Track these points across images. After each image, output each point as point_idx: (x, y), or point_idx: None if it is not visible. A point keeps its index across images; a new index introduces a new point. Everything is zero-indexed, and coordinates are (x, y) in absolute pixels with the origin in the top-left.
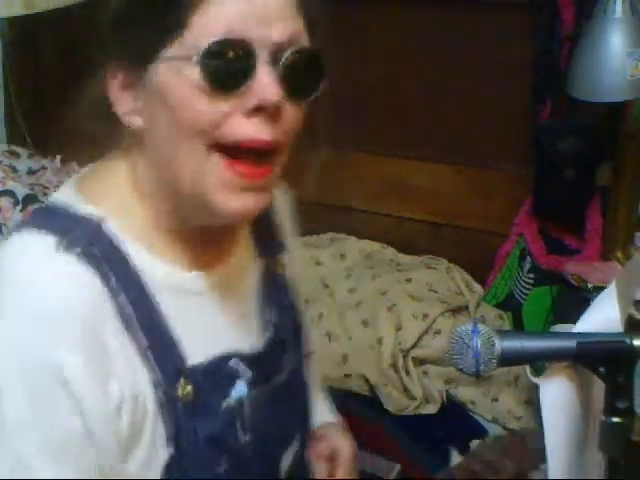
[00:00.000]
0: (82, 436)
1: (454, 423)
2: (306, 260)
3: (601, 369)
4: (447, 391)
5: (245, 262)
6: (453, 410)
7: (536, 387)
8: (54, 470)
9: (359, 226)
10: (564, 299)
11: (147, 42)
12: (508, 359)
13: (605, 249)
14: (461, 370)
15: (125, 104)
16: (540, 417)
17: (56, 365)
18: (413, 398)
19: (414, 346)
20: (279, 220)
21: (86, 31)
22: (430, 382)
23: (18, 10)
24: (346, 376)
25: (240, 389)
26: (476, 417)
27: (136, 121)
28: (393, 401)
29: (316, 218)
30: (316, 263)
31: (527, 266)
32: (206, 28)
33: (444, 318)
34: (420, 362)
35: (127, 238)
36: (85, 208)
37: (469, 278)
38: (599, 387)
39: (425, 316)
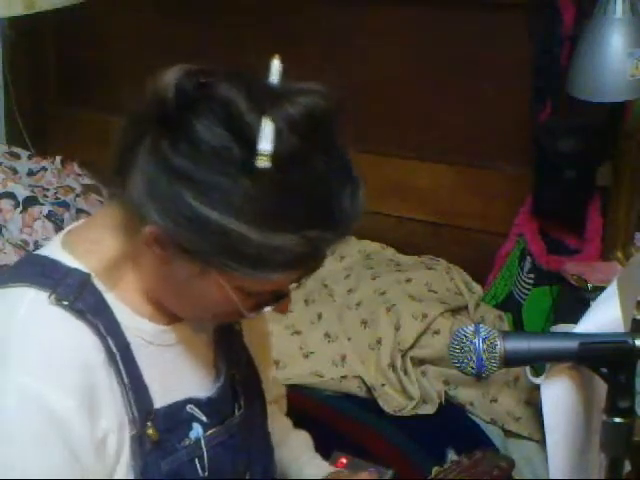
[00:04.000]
0: (72, 468)
1: (452, 424)
2: None
3: (603, 369)
4: (446, 392)
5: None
6: (451, 411)
7: (537, 388)
8: None
9: (359, 226)
10: (564, 299)
11: (208, 262)
12: (510, 360)
13: (605, 249)
14: (462, 371)
15: (157, 251)
16: (541, 417)
17: (51, 407)
18: (411, 398)
19: (413, 346)
20: None
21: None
22: (429, 382)
23: (18, 10)
24: (343, 378)
25: (196, 431)
26: (475, 418)
27: (160, 261)
28: (391, 401)
29: None
30: None
31: (527, 266)
32: (260, 287)
33: (443, 318)
34: (419, 362)
35: (109, 294)
36: (73, 264)
37: (469, 278)
38: (601, 387)
39: (424, 316)
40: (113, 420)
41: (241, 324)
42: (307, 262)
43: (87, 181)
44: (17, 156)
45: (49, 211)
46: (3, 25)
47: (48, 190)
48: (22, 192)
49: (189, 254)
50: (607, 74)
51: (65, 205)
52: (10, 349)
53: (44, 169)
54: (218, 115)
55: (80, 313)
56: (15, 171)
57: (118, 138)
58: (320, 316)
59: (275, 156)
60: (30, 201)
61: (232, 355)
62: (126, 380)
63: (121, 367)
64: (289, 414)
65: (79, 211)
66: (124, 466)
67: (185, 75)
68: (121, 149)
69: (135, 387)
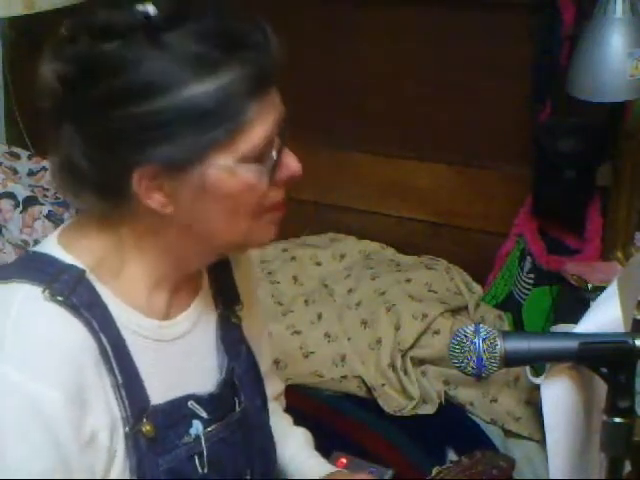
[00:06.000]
0: (55, 467)
1: (452, 424)
2: (306, 260)
3: (603, 369)
4: (446, 392)
5: (204, 312)
6: (451, 411)
7: (537, 388)
8: None
9: (359, 226)
10: (564, 299)
11: (194, 152)
12: (510, 360)
13: (605, 249)
14: (463, 371)
15: (157, 199)
16: (541, 417)
17: (38, 399)
18: (411, 398)
19: (413, 346)
20: (238, 274)
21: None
22: (429, 382)
23: (18, 10)
24: (343, 377)
25: (197, 427)
26: (475, 418)
27: (167, 209)
28: (391, 401)
29: (316, 218)
30: (316, 263)
31: (527, 266)
32: (250, 141)
33: (443, 318)
34: (419, 362)
35: (105, 289)
36: (68, 260)
37: (469, 278)
38: (601, 387)
39: (424, 316)
40: (104, 417)
41: (240, 316)
42: (260, 86)
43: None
44: (17, 156)
45: (49, 211)
46: (3, 25)
47: (48, 190)
48: (22, 192)
49: (180, 164)
50: (607, 74)
51: (65, 205)
52: (1, 342)
53: (44, 169)
54: (104, 36)
55: (74, 309)
56: (15, 171)
57: (54, 142)
58: (320, 316)
59: (165, 18)
60: (30, 201)
61: (232, 347)
62: (119, 376)
63: (114, 363)
64: (289, 413)
65: (79, 211)
66: (119, 464)
67: (55, 46)
68: (60, 147)
69: (129, 383)
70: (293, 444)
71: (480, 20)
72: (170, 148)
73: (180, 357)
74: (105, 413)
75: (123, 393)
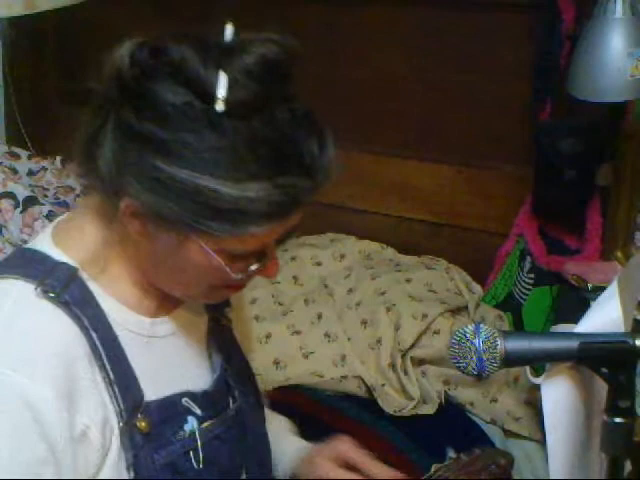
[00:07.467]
0: (45, 460)
1: (452, 424)
2: (306, 260)
3: (603, 369)
4: (446, 392)
5: (195, 312)
6: (451, 411)
7: (537, 388)
8: None
9: (359, 226)
10: (564, 299)
11: (183, 225)
12: (510, 360)
13: (605, 249)
14: (463, 371)
15: (135, 226)
16: (541, 417)
17: (28, 395)
18: (411, 398)
19: (413, 346)
20: None
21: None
22: (428, 382)
23: (18, 10)
24: (343, 377)
25: (192, 424)
26: (475, 418)
27: (141, 238)
28: (391, 401)
29: (316, 218)
30: (316, 263)
31: (527, 266)
32: (241, 246)
33: (443, 318)
34: (419, 362)
35: (97, 286)
36: (61, 257)
37: (469, 278)
38: (601, 387)
39: (424, 316)
40: (95, 414)
41: (230, 318)
42: (283, 212)
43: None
44: (17, 156)
45: (49, 211)
46: (3, 25)
47: (48, 190)
48: (22, 192)
49: (167, 223)
50: (607, 74)
51: (65, 205)
52: None
53: (44, 169)
54: (175, 76)
55: (66, 305)
56: (15, 171)
57: (85, 125)
58: (320, 316)
59: (235, 104)
60: (30, 201)
61: (224, 347)
62: (110, 373)
63: (105, 360)
64: (290, 414)
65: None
66: (112, 459)
67: (137, 46)
68: (88, 134)
69: (122, 379)
70: (274, 430)
71: (480, 20)
72: (164, 209)
73: (173, 354)
74: (97, 408)
75: (116, 389)
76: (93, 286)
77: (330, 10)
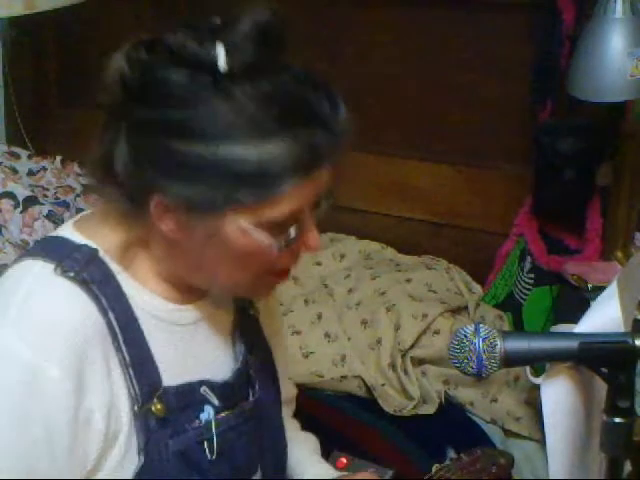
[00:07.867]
0: (40, 438)
1: (452, 424)
2: (306, 260)
3: (603, 369)
4: (446, 392)
5: (221, 301)
6: (451, 411)
7: (537, 388)
8: (5, 469)
9: (359, 226)
10: (564, 299)
11: (215, 205)
12: (510, 360)
13: (605, 249)
14: (462, 371)
15: (169, 225)
16: (541, 417)
17: (35, 371)
18: (411, 398)
19: (413, 346)
20: None
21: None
22: (428, 382)
23: (18, 10)
24: (343, 377)
25: (208, 413)
26: (475, 418)
27: (176, 236)
28: (391, 401)
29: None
30: (316, 263)
31: (527, 266)
32: (276, 212)
33: (443, 318)
34: (419, 362)
35: (119, 268)
36: (82, 241)
37: (469, 278)
38: (601, 387)
39: (424, 316)
40: (102, 397)
41: (257, 308)
42: (307, 167)
43: (87, 181)
44: (17, 156)
45: (49, 211)
46: (3, 25)
47: (48, 190)
48: (22, 192)
49: (199, 208)
50: (607, 74)
51: (65, 205)
52: (9, 315)
53: (44, 169)
54: (175, 60)
55: (84, 284)
56: (15, 171)
57: (98, 141)
58: (320, 316)
59: (238, 68)
60: (30, 201)
61: (249, 338)
62: (127, 355)
63: (121, 341)
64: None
65: (79, 211)
66: (121, 445)
67: (131, 49)
68: (104, 150)
69: (139, 362)
70: (300, 449)
71: (480, 20)
72: (193, 192)
73: (195, 342)
74: (105, 393)
75: (131, 372)
76: (116, 268)
77: (331, 10)
